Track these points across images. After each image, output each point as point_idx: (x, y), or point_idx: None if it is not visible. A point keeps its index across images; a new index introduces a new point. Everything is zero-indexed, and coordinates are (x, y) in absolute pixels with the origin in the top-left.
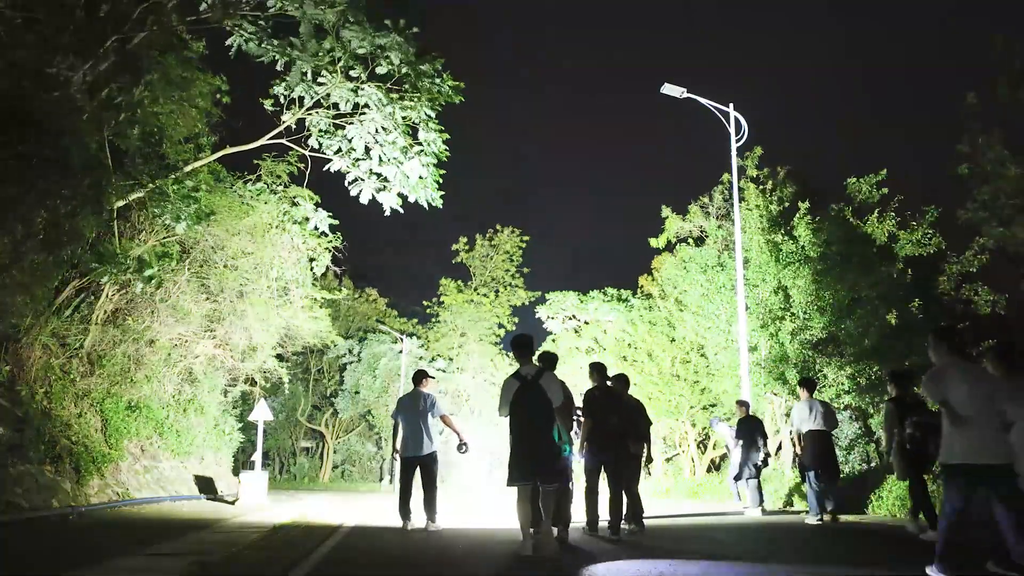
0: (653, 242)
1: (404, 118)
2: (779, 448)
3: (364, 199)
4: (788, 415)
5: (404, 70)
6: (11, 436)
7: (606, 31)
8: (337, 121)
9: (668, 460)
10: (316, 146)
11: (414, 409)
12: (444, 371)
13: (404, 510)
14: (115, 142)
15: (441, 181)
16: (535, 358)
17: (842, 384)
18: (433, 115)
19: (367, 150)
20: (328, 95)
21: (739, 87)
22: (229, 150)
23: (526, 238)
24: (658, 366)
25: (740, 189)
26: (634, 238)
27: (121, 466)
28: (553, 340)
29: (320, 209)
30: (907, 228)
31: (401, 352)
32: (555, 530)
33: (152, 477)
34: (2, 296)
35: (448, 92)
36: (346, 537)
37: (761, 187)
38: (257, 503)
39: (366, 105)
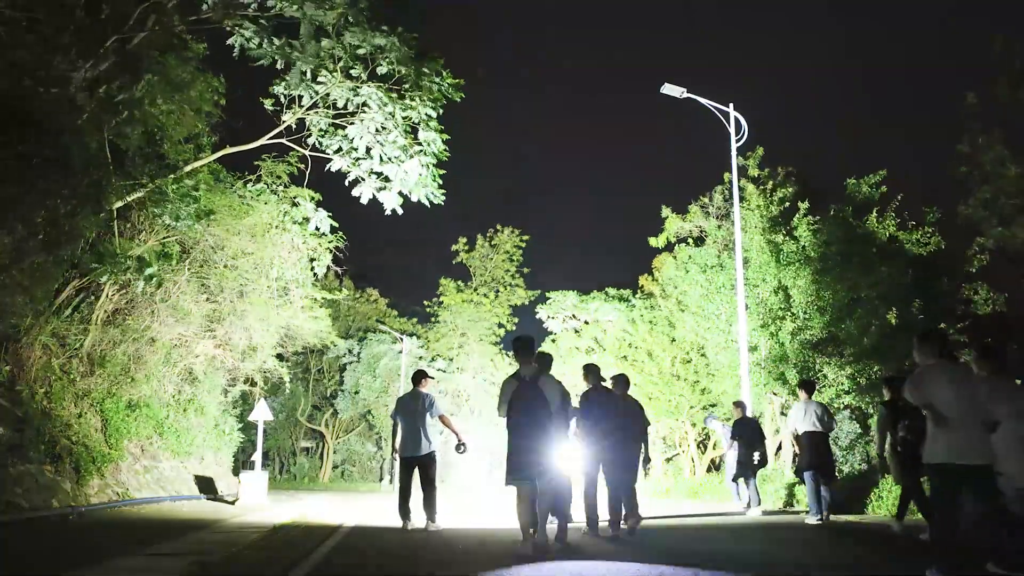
0: (653, 242)
1: (405, 118)
2: (779, 448)
3: (365, 199)
4: (784, 414)
5: (404, 70)
6: (11, 436)
7: (606, 31)
8: (337, 121)
9: (668, 460)
10: (316, 145)
11: (413, 409)
12: (444, 371)
13: (404, 510)
14: (115, 142)
15: (441, 181)
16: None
17: (842, 384)
18: (434, 115)
19: (367, 150)
20: (328, 95)
21: (739, 87)
22: (229, 150)
23: (526, 238)
24: (658, 366)
25: (740, 189)
26: (634, 238)
27: (121, 466)
28: (553, 340)
29: (320, 209)
30: (907, 228)
31: (401, 352)
32: (555, 530)
33: (152, 477)
34: (2, 296)
35: (448, 90)
36: (346, 537)
37: (761, 187)
38: (257, 503)
39: (366, 104)
